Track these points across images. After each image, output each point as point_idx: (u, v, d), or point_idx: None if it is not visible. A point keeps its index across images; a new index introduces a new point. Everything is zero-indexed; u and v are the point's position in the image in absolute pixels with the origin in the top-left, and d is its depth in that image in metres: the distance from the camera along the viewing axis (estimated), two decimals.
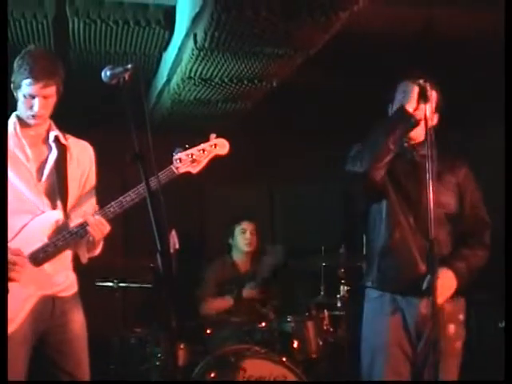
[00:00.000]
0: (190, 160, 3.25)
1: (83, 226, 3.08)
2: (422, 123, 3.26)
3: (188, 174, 3.25)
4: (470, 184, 3.53)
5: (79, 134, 3.37)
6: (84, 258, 3.24)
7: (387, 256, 3.43)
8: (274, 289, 5.64)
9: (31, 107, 3.09)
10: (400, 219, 3.40)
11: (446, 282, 3.28)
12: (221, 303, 5.55)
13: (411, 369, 3.38)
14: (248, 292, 5.56)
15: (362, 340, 3.54)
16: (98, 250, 3.27)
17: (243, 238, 5.72)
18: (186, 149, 3.26)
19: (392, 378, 3.35)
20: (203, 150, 3.29)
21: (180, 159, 3.23)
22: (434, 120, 3.29)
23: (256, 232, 5.74)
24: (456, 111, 5.36)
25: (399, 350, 3.38)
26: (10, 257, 2.97)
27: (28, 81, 3.03)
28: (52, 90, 3.10)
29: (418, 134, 3.40)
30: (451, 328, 3.29)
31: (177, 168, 3.22)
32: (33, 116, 3.11)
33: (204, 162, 3.30)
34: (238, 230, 5.73)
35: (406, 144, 3.47)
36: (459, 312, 3.41)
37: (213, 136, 3.33)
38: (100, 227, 3.08)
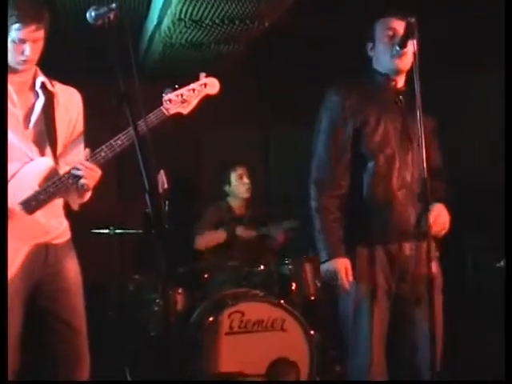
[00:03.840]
0: (180, 100, 3.16)
1: (74, 171, 3.01)
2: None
3: (179, 115, 3.17)
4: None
5: (67, 80, 3.29)
6: (75, 204, 3.19)
7: (374, 209, 3.39)
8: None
9: (22, 52, 2.99)
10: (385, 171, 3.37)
11: (442, 215, 3.34)
12: (213, 236, 5.52)
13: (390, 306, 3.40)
14: (242, 231, 5.54)
15: None
16: (87, 196, 3.20)
17: (242, 183, 5.63)
18: (175, 89, 3.17)
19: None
20: (193, 90, 3.20)
21: (170, 100, 3.15)
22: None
23: (251, 177, 5.68)
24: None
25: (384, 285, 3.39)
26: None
27: (17, 25, 2.93)
28: (41, 34, 3.01)
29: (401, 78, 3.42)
30: (434, 266, 3.28)
31: (167, 109, 3.14)
32: (24, 61, 3.02)
33: (194, 102, 3.21)
34: (234, 175, 5.65)
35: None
36: (435, 249, 3.41)
37: (202, 75, 3.25)
38: (91, 172, 3.01)
